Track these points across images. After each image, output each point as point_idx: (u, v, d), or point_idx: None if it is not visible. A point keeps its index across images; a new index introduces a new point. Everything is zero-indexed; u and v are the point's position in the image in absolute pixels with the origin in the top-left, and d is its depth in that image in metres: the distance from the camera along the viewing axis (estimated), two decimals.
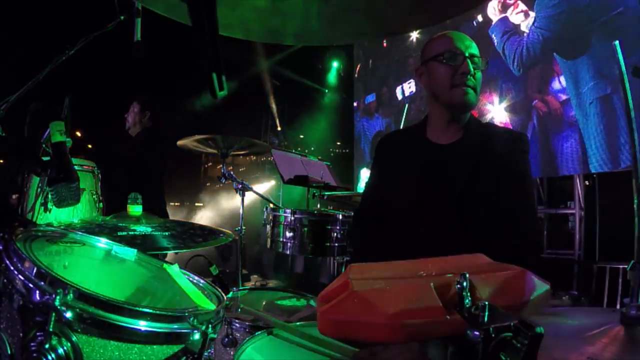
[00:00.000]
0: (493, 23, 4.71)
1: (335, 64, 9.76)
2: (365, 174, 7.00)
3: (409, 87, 6.28)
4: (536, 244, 1.40)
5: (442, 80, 1.43)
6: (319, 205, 2.88)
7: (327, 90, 9.99)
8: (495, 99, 4.69)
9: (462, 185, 1.42)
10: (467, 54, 1.40)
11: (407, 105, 6.26)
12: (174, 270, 1.10)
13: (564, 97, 3.96)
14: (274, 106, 10.39)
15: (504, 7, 4.57)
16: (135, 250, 1.12)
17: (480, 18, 4.90)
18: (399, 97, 6.47)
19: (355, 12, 0.62)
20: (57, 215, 1.74)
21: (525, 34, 4.31)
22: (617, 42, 0.82)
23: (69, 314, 0.72)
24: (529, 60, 4.27)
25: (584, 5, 3.71)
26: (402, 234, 1.50)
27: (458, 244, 1.29)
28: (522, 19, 4.36)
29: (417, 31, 6.11)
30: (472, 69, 1.39)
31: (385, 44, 6.82)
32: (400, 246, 1.48)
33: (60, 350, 0.70)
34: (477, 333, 0.41)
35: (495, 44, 4.60)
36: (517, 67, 4.39)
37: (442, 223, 1.43)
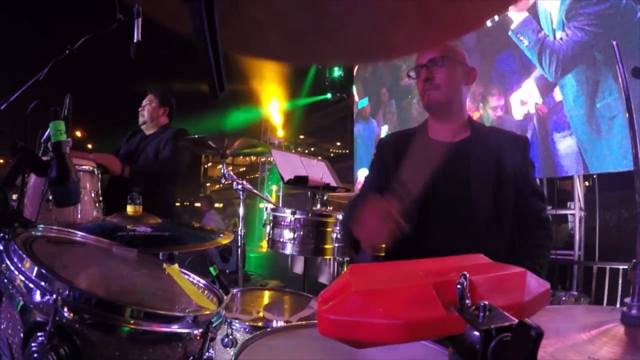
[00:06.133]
0: (516, 24, 4.46)
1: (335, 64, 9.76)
2: (363, 175, 7.01)
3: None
4: (550, 238, 1.55)
5: (417, 90, 1.62)
6: (319, 206, 2.87)
7: (327, 91, 10.00)
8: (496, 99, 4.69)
9: (469, 182, 1.49)
10: (425, 62, 1.54)
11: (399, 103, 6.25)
12: (174, 270, 1.10)
13: (562, 97, 3.96)
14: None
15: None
16: (135, 250, 1.12)
17: (495, 17, 4.74)
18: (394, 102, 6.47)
19: (357, 30, 0.59)
20: (57, 215, 1.74)
21: (560, 37, 3.97)
22: (614, 43, 0.82)
23: (69, 314, 0.72)
24: (568, 66, 3.91)
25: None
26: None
27: (462, 239, 1.44)
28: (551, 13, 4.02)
29: None
30: (431, 74, 1.52)
31: None
32: (405, 241, 1.52)
33: (61, 350, 0.70)
34: (477, 333, 0.41)
35: (526, 45, 4.31)
36: (554, 73, 4.05)
37: (447, 219, 1.50)
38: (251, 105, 10.78)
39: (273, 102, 10.36)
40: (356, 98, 7.49)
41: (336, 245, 2.34)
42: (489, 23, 4.81)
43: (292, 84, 10.25)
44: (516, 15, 4.49)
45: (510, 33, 4.51)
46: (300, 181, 2.87)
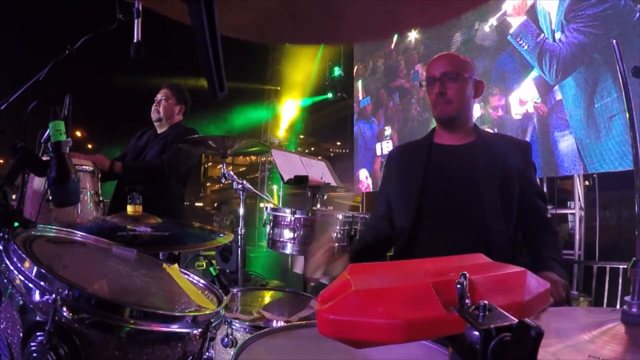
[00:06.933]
0: (514, 27, 4.44)
1: (335, 63, 9.76)
2: (363, 175, 6.99)
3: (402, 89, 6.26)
4: (555, 234, 1.60)
5: (429, 99, 1.67)
6: (319, 205, 2.87)
7: (327, 90, 9.98)
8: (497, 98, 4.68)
9: (476, 179, 1.54)
10: (439, 76, 1.58)
11: (401, 104, 6.24)
12: (174, 270, 1.10)
13: (561, 97, 3.95)
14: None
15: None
16: (135, 250, 1.12)
17: (495, 22, 4.71)
18: (395, 100, 6.46)
19: (363, 7, 0.60)
20: (57, 215, 1.74)
21: (559, 39, 3.93)
22: (614, 42, 0.82)
23: (68, 314, 0.72)
24: (568, 69, 3.87)
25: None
26: (410, 230, 1.58)
27: (468, 234, 1.50)
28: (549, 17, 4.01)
29: (415, 31, 6.11)
30: (444, 88, 1.57)
31: (392, 46, 6.77)
32: (409, 239, 1.58)
33: (60, 350, 0.70)
34: (476, 333, 0.41)
35: (526, 48, 4.28)
36: (555, 76, 4.00)
37: (454, 214, 1.54)
38: (254, 105, 10.79)
39: (287, 102, 10.38)
40: (360, 95, 7.47)
41: (336, 245, 2.34)
42: (487, 29, 4.80)
43: (293, 84, 10.25)
44: (515, 19, 4.49)
45: (509, 37, 4.51)
46: (300, 181, 2.87)
